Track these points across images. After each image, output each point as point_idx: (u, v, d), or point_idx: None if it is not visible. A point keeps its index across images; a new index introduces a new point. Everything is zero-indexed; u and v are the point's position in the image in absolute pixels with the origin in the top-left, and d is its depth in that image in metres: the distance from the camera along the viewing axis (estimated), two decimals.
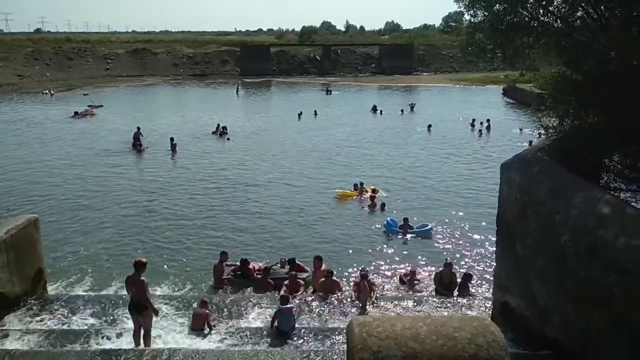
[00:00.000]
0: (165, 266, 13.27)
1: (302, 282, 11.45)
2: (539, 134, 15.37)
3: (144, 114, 39.69)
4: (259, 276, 11.95)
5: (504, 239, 8.83)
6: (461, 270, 12.45)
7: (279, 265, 12.61)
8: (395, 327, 3.81)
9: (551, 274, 7.11)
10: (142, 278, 8.62)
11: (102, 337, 9.10)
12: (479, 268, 13.10)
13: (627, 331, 5.59)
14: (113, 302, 10.50)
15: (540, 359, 7.42)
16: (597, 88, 9.20)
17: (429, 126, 33.11)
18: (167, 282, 12.33)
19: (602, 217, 6.30)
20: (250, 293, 11.50)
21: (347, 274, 12.72)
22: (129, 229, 16.10)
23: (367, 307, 10.36)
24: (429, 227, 15.52)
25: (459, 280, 11.74)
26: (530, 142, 22.87)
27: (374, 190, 18.78)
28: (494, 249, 10.20)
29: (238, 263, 12.38)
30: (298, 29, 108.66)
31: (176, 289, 12.04)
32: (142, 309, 8.64)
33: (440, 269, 11.95)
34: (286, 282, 11.38)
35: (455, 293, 11.47)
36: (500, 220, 9.04)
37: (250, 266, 12.25)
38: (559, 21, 9.69)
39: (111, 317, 9.97)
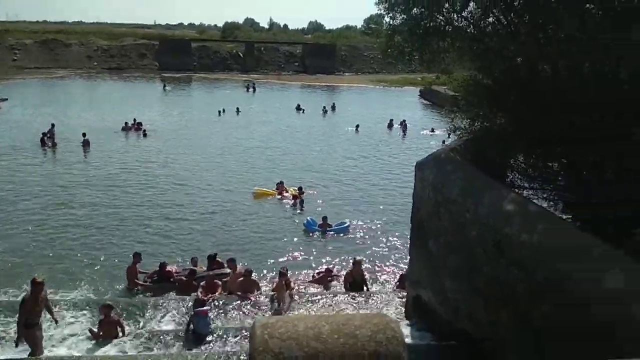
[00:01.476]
0: (76, 270, 12.54)
1: (219, 282, 11.20)
2: (449, 134, 15.90)
3: (55, 109, 37.34)
4: (182, 278, 11.57)
5: (418, 236, 9.09)
6: (383, 266, 12.75)
7: (189, 264, 12.27)
8: (298, 328, 3.80)
9: (462, 271, 7.39)
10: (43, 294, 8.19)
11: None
12: (396, 264, 13.46)
13: (531, 329, 5.89)
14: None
15: (446, 349, 7.72)
16: (506, 92, 9.73)
17: (357, 126, 33.62)
18: (78, 287, 11.67)
19: (507, 215, 6.62)
20: (169, 296, 11.09)
21: (266, 273, 12.63)
22: (37, 230, 15.05)
23: (285, 305, 10.32)
24: (347, 224, 15.81)
25: (396, 281, 12.00)
26: (444, 141, 23.87)
27: (300, 190, 18.72)
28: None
29: (158, 268, 11.90)
30: (220, 24, 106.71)
31: (88, 294, 11.40)
32: (36, 325, 8.17)
33: (350, 268, 12.12)
34: (203, 283, 11.09)
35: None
36: (414, 218, 9.30)
37: (169, 269, 11.83)
38: (472, 27, 10.11)
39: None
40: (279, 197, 18.79)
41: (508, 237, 6.29)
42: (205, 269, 11.96)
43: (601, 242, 5.59)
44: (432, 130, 32.24)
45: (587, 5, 8.45)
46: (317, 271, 12.67)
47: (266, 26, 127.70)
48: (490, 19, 9.76)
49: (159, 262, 12.08)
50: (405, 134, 33.00)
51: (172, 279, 11.61)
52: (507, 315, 6.34)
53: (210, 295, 10.51)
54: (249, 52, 77.16)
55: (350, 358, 3.65)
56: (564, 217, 9.35)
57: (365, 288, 11.67)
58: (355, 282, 11.71)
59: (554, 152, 9.98)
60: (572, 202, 9.29)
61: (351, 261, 12.34)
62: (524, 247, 6.01)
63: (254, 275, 11.43)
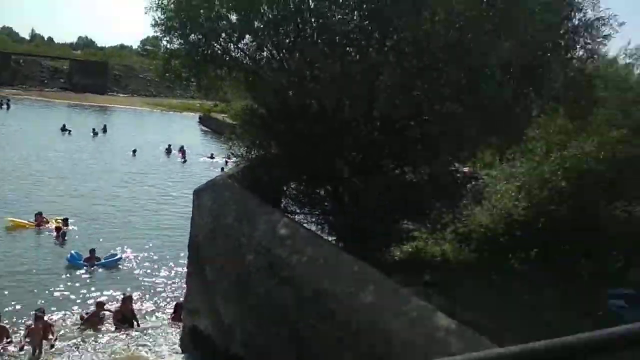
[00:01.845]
0: None
1: None
2: (226, 161, 16.13)
3: None
4: None
5: (195, 263, 8.99)
6: (159, 297, 12.19)
7: None
8: None
9: (237, 294, 7.54)
10: None
11: None
12: (172, 294, 13.02)
13: (296, 340, 6.29)
14: None
15: None
16: (278, 124, 10.39)
17: (134, 151, 31.79)
18: None
19: (280, 238, 7.02)
20: None
21: (20, 317, 10.92)
22: None
23: (43, 351, 9.12)
24: (118, 256, 14.70)
25: (171, 313, 11.45)
26: (222, 168, 24.19)
27: (65, 220, 16.76)
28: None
29: None
30: None
31: None
32: None
33: (119, 303, 11.39)
34: None
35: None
36: (191, 245, 9.18)
37: None
38: (247, 58, 10.57)
39: None
40: (38, 228, 16.60)
41: (281, 258, 6.65)
42: None
43: (359, 259, 6.30)
44: (212, 157, 32.43)
45: (348, 49, 9.58)
46: (85, 312, 11.45)
47: (27, 37, 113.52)
48: (265, 53, 10.36)
49: None
50: (184, 160, 32.49)
51: None
52: (281, 335, 6.65)
53: None
54: (4, 64, 67.57)
55: None
56: (330, 238, 10.33)
57: (135, 323, 10.99)
58: (125, 318, 10.96)
59: (321, 181, 10.99)
60: (337, 225, 10.33)
61: (121, 296, 11.55)
62: (294, 267, 6.43)
63: (4, 321, 9.87)
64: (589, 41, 10.15)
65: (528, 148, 11.40)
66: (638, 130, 11.29)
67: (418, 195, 9.86)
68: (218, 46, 10.17)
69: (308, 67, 9.39)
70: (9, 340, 9.54)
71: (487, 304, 7.47)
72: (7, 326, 9.91)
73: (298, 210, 11.24)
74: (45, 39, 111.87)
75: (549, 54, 8.99)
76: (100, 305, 11.17)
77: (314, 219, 11.12)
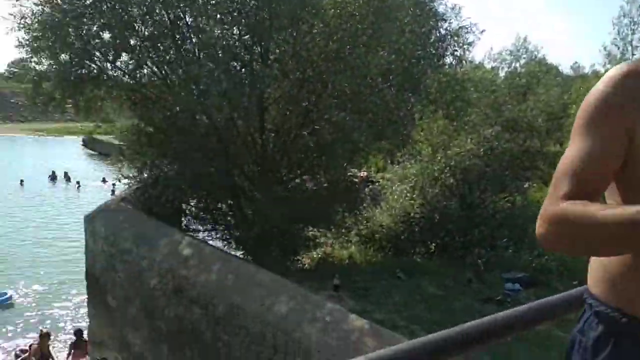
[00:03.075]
0: None
1: None
2: (114, 184, 15.26)
3: None
4: None
5: (94, 292, 8.48)
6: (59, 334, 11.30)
7: None
8: None
9: (144, 321, 7.20)
10: None
11: None
12: (76, 326, 12.08)
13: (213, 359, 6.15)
14: None
15: None
16: (168, 140, 10.06)
17: (22, 181, 29.15)
18: None
19: (184, 258, 6.81)
20: None
21: None
22: None
23: None
24: (8, 295, 13.43)
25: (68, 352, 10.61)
26: (113, 191, 22.91)
27: None
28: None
29: None
30: None
31: None
32: None
33: (37, 343, 10.51)
34: None
35: None
36: (89, 275, 8.66)
37: None
38: (127, 77, 10.13)
39: None
40: None
41: (187, 279, 6.46)
42: None
43: (268, 271, 6.29)
44: (104, 181, 30.43)
45: (232, 63, 9.51)
46: (19, 349, 10.56)
47: None
48: (146, 71, 10.00)
49: None
50: (68, 185, 30.36)
51: None
52: (190, 351, 6.46)
53: None
54: None
55: None
56: (237, 253, 10.18)
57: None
58: (44, 356, 10.11)
59: (221, 196, 10.81)
60: (243, 239, 10.21)
61: (38, 334, 10.59)
62: (203, 286, 6.27)
63: None
64: (456, 48, 11.19)
65: (416, 150, 12.10)
66: (509, 126, 12.50)
67: (319, 202, 10.05)
68: (93, 65, 9.66)
69: (193, 82, 9.19)
70: None
71: (396, 300, 7.78)
72: None
73: (201, 228, 10.97)
74: None
75: (422, 61, 9.67)
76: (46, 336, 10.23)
77: (218, 235, 10.91)
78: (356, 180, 11.83)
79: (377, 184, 14.40)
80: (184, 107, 9.34)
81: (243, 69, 9.46)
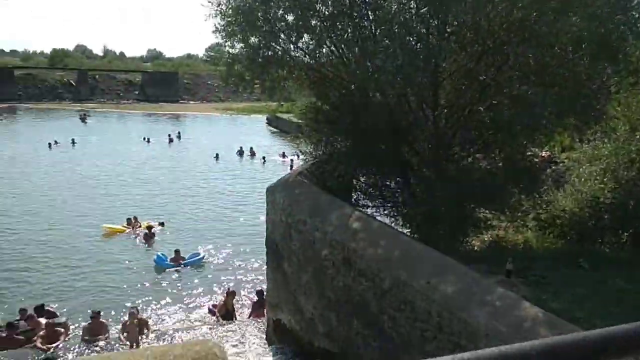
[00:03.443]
0: None
1: (61, 330, 10.15)
2: (292, 160, 16.10)
3: None
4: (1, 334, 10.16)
5: (273, 258, 9.21)
6: (244, 293, 12.65)
7: (19, 317, 10.85)
8: None
9: (315, 288, 7.65)
10: None
11: None
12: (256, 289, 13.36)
13: (378, 331, 6.31)
14: None
15: None
16: (342, 117, 10.38)
17: (217, 155, 33.01)
18: None
19: (353, 231, 7.05)
20: None
21: (114, 313, 11.73)
22: None
23: (140, 345, 9.69)
24: (201, 255, 15.37)
25: (249, 310, 11.92)
26: (291, 166, 24.54)
27: (149, 227, 17.74)
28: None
29: None
30: (48, 50, 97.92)
31: None
32: None
33: (223, 299, 11.96)
34: (41, 332, 9.95)
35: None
36: (268, 242, 9.42)
37: None
38: (307, 57, 10.63)
39: None
40: (133, 234, 17.58)
41: (355, 251, 6.68)
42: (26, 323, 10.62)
43: (435, 250, 6.20)
44: (284, 156, 32.87)
45: (407, 38, 9.39)
46: (212, 304, 12.31)
47: (100, 53, 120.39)
48: (324, 50, 10.37)
49: None
50: (253, 160, 33.30)
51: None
52: (362, 327, 6.69)
53: (49, 346, 9.51)
54: (82, 81, 72.09)
55: None
56: (404, 230, 10.20)
57: (234, 318, 11.53)
58: (228, 313, 11.54)
59: (391, 173, 10.89)
60: (410, 216, 10.17)
61: (225, 291, 12.13)
62: (370, 260, 6.43)
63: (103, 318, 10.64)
64: None
65: (610, 127, 10.69)
66: None
67: (493, 183, 9.53)
68: (278, 47, 10.29)
69: (368, 59, 9.30)
70: (107, 335, 10.20)
71: (576, 291, 7.10)
72: (105, 322, 10.59)
73: (370, 204, 11.18)
74: (117, 53, 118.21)
75: (621, 27, 8.39)
76: (232, 295, 11.86)
77: (386, 212, 11.02)
78: (537, 160, 10.91)
79: (561, 164, 13.14)
80: (359, 84, 9.54)
81: (418, 44, 9.28)
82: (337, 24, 9.58)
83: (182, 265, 14.85)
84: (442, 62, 9.04)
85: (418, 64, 8.59)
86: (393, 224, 10.25)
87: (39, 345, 9.53)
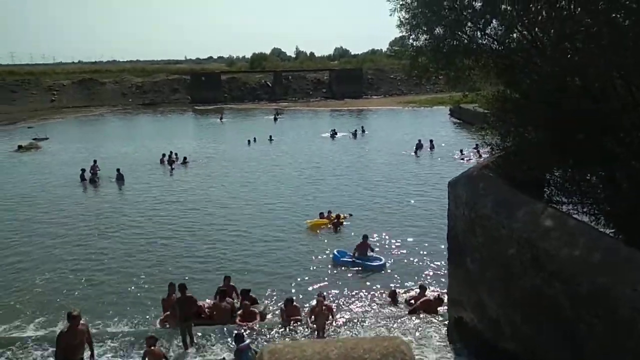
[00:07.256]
0: (118, 302, 12.78)
1: (256, 311, 11.23)
2: (471, 152, 15.16)
3: (95, 145, 38.73)
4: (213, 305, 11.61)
5: (455, 254, 8.99)
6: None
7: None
8: (306, 353, 3.77)
9: (501, 287, 7.27)
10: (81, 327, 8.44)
11: None
12: (437, 285, 13.19)
13: (571, 337, 5.75)
14: None
15: None
16: (535, 107, 9.62)
17: (416, 150, 33.19)
18: (117, 319, 11.86)
19: (544, 229, 6.52)
20: (203, 328, 10.95)
21: (302, 297, 12.56)
22: (74, 263, 15.51)
23: (325, 331, 10.27)
24: (382, 262, 15.07)
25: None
26: (469, 159, 23.51)
27: (337, 217, 18.62)
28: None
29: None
30: (249, 55, 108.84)
31: (125, 326, 11.54)
32: None
33: (416, 292, 12.22)
34: (239, 312, 11.15)
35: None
36: (450, 237, 9.21)
37: (200, 304, 11.48)
38: (496, 43, 10.10)
39: None
40: (335, 227, 18.49)
41: (546, 251, 6.18)
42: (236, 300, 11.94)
43: None
44: (462, 152, 31.54)
45: (614, 14, 8.37)
46: (409, 296, 12.55)
47: (293, 55, 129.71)
48: (515, 35, 9.76)
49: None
50: (432, 153, 32.75)
51: (202, 315, 11.43)
52: (552, 332, 6.18)
53: (247, 324, 10.59)
54: (277, 81, 78.53)
55: None
56: (607, 231, 9.09)
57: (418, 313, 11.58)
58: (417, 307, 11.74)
59: (591, 166, 9.77)
60: (616, 216, 9.04)
61: (418, 285, 12.52)
62: (565, 261, 5.90)
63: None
64: None
65: None
66: None
67: None
68: (464, 36, 9.97)
69: (567, 41, 8.46)
70: (298, 319, 10.96)
71: None
72: (299, 306, 11.38)
73: (565, 200, 10.20)
74: (308, 54, 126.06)
75: None
76: (423, 289, 12.19)
77: (585, 209, 9.95)
78: None
79: None
80: (555, 70, 8.77)
81: (627, 20, 8.19)
82: (530, 5, 8.94)
83: (361, 261, 14.98)
84: None
85: (627, 42, 7.57)
86: (593, 223, 9.22)
87: (238, 322, 10.72)
